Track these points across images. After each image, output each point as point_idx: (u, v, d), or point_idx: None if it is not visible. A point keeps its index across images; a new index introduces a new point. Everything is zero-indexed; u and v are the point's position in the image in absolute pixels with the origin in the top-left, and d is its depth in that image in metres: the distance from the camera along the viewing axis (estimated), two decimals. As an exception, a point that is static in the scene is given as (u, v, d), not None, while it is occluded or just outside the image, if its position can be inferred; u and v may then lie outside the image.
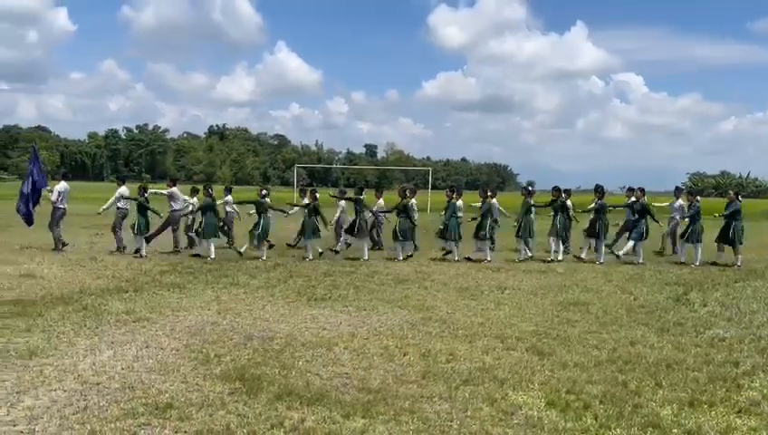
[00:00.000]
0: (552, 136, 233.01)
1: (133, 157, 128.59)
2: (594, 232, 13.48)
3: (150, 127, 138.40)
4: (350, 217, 13.87)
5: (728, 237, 13.29)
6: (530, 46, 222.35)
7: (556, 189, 13.54)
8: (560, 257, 13.19)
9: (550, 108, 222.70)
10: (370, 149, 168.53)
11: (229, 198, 14.34)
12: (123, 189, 13.58)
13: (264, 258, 12.43)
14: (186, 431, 4.02)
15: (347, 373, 5.31)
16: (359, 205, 13.38)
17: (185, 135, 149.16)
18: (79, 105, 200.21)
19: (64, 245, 13.18)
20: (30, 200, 13.24)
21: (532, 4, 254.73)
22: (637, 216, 13.46)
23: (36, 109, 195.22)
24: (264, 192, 13.30)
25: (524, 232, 13.40)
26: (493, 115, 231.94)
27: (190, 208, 13.75)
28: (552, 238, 13.33)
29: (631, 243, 13.39)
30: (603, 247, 13.39)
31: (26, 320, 6.89)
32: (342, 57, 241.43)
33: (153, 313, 7.52)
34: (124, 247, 13.06)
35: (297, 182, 37.84)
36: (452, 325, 7.15)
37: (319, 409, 4.44)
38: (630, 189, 14.28)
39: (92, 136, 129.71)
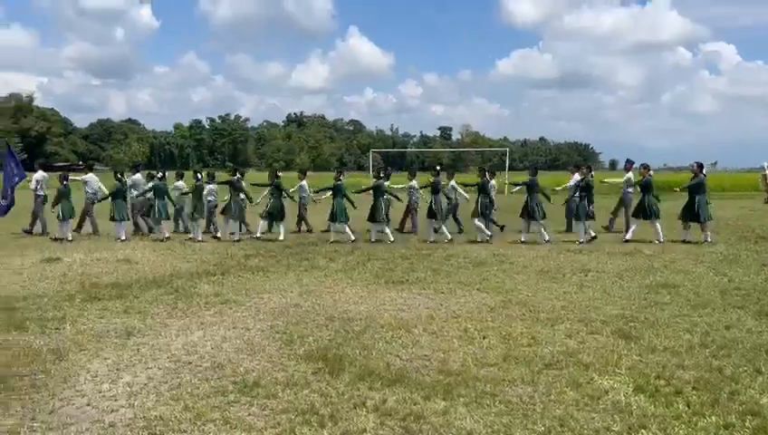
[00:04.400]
0: (635, 111, 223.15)
1: (216, 146, 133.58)
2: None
3: (232, 117, 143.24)
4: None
5: (694, 213, 12.63)
6: (609, 19, 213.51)
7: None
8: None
9: (632, 82, 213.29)
10: (445, 132, 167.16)
11: (213, 186, 14.41)
12: (90, 176, 14.35)
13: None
14: (272, 409, 4.16)
15: (426, 355, 5.32)
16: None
17: (264, 124, 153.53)
18: (164, 98, 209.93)
19: (29, 232, 13.88)
20: (9, 193, 14.27)
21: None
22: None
23: (125, 102, 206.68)
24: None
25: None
26: (571, 92, 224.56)
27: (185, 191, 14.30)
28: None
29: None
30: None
31: (123, 302, 7.34)
32: (413, 39, 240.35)
33: (239, 295, 7.82)
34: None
35: (372, 167, 38.05)
36: (533, 308, 7.01)
37: (399, 390, 4.47)
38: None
39: (178, 127, 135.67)
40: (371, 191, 13.48)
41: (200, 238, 13.04)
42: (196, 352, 5.45)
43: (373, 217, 13.20)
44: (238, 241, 12.90)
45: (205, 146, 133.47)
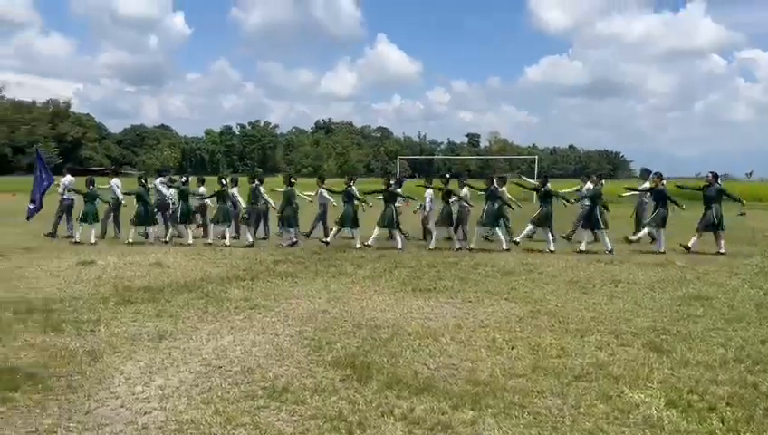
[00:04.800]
0: (667, 120, 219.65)
1: (246, 152, 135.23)
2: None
3: (262, 123, 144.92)
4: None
5: (712, 223, 12.58)
6: (640, 26, 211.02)
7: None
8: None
9: (664, 90, 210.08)
10: (473, 139, 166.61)
11: (202, 189, 14.81)
12: (116, 181, 14.84)
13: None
14: (301, 415, 4.20)
15: (454, 365, 5.31)
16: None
17: (293, 130, 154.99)
18: (196, 104, 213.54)
19: (53, 235, 14.17)
20: (38, 198, 14.64)
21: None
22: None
23: (158, 108, 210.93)
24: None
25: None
26: (601, 99, 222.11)
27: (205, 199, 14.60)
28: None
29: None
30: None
31: (156, 306, 7.48)
32: (442, 46, 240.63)
33: (268, 300, 7.90)
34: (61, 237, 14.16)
35: (399, 173, 38.13)
36: (562, 319, 6.94)
37: (427, 399, 4.48)
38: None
39: (209, 133, 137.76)
40: (382, 197, 13.54)
41: (228, 243, 13.22)
42: (226, 356, 5.53)
43: (382, 224, 13.32)
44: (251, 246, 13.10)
45: (235, 152, 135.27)
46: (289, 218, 13.41)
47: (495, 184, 13.40)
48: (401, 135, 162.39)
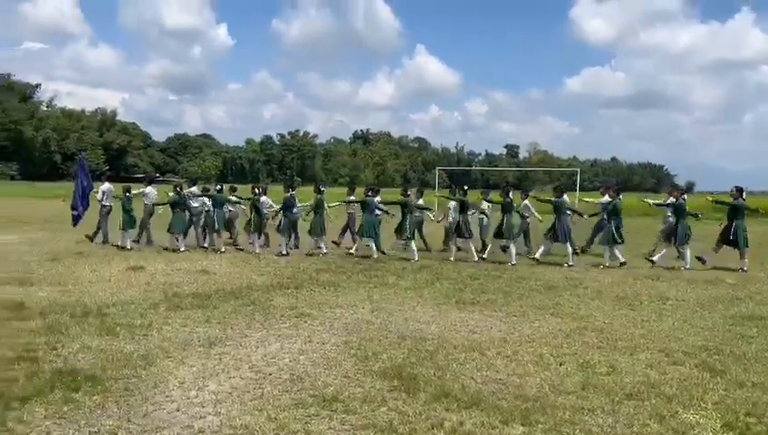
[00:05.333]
0: (713, 133, 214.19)
1: (285, 161, 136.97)
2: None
3: (301, 133, 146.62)
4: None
5: (730, 238, 12.25)
6: (686, 36, 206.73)
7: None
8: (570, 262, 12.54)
9: (710, 102, 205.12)
10: (511, 150, 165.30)
11: (233, 198, 14.82)
12: (150, 189, 15.18)
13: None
14: (352, 425, 4.25)
15: (501, 379, 5.29)
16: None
17: (332, 140, 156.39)
18: (237, 113, 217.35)
19: (107, 242, 14.54)
20: (80, 204, 15.13)
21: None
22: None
23: (200, 117, 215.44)
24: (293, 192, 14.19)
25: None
26: (644, 111, 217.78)
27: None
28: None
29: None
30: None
31: (204, 312, 7.66)
32: (481, 57, 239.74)
33: (313, 309, 8.00)
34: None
35: (438, 184, 38.10)
36: (610, 336, 6.84)
37: (476, 413, 4.47)
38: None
39: (249, 142, 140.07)
40: (400, 207, 13.63)
41: (258, 250, 13.45)
42: (275, 363, 5.63)
43: (399, 233, 13.46)
44: (284, 255, 13.27)
45: (274, 161, 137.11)
46: (318, 227, 13.57)
47: (511, 196, 13.45)
48: (439, 146, 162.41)
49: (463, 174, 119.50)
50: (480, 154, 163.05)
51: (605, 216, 13.17)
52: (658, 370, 5.62)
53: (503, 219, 13.13)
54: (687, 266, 12.26)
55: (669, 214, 13.63)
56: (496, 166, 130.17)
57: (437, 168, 46.16)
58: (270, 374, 5.32)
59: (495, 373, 5.46)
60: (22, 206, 30.87)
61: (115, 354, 5.75)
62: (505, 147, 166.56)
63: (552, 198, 13.27)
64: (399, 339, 6.56)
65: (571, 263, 12.46)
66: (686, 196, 13.27)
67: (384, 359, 5.80)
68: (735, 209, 12.44)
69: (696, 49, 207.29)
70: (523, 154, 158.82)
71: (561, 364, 5.73)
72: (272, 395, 4.80)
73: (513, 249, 12.93)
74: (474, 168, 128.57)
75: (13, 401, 4.49)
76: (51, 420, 4.24)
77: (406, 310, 8.09)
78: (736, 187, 12.79)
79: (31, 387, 4.76)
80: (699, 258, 12.47)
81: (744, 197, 12.76)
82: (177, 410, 4.47)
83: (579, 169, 39.18)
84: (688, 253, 12.47)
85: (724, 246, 12.46)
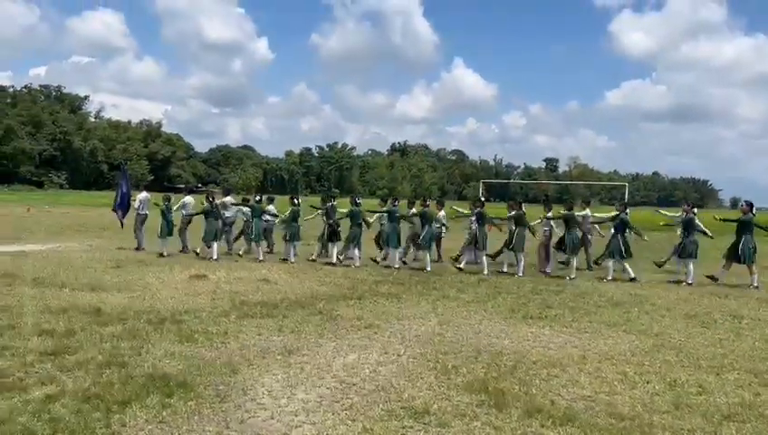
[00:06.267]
0: (760, 147, 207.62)
1: (324, 173, 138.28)
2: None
3: (339, 145, 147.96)
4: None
5: (737, 253, 12.04)
6: (730, 49, 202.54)
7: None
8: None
9: (756, 116, 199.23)
10: (551, 163, 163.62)
11: (271, 208, 15.05)
12: (188, 199, 15.62)
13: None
14: (450, 438, 4.22)
15: (590, 396, 5.19)
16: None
17: (369, 152, 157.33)
18: (276, 126, 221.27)
19: (140, 248, 14.88)
20: (121, 209, 15.80)
21: (733, 3, 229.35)
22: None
23: (240, 129, 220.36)
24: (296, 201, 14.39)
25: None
26: (686, 125, 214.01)
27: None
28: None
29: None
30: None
31: (275, 321, 7.74)
32: (519, 70, 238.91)
33: (379, 320, 8.01)
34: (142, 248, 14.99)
35: (483, 196, 37.86)
36: (690, 355, 6.65)
37: (573, 430, 4.40)
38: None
39: (289, 154, 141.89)
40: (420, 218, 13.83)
41: (293, 260, 13.71)
42: (356, 374, 5.64)
43: (417, 243, 13.69)
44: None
45: (313, 173, 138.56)
46: (354, 239, 13.69)
47: (523, 209, 13.50)
48: (477, 158, 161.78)
49: (501, 187, 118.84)
50: (519, 167, 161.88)
51: (613, 229, 12.96)
52: (751, 391, 5.44)
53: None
54: (690, 281, 12.07)
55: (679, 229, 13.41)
56: (536, 179, 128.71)
57: (481, 181, 45.90)
58: (354, 384, 5.33)
59: (582, 390, 5.35)
60: (75, 214, 31.80)
61: (198, 361, 5.85)
62: (544, 160, 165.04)
63: (563, 212, 13.29)
64: (475, 353, 6.50)
65: (573, 276, 12.54)
66: (696, 211, 13.15)
67: (464, 373, 5.75)
68: (743, 225, 12.19)
69: (740, 62, 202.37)
70: (562, 167, 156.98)
71: (647, 383, 5.60)
72: (362, 405, 4.80)
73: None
74: (512, 180, 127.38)
75: (113, 404, 4.60)
76: (152, 423, 4.32)
77: (473, 323, 8.02)
78: (746, 201, 12.69)
79: (127, 391, 4.87)
80: (711, 277, 12.30)
81: (754, 212, 12.48)
82: (272, 419, 4.51)
83: (627, 184, 38.50)
84: (691, 268, 12.22)
85: (734, 263, 12.24)
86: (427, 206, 14.15)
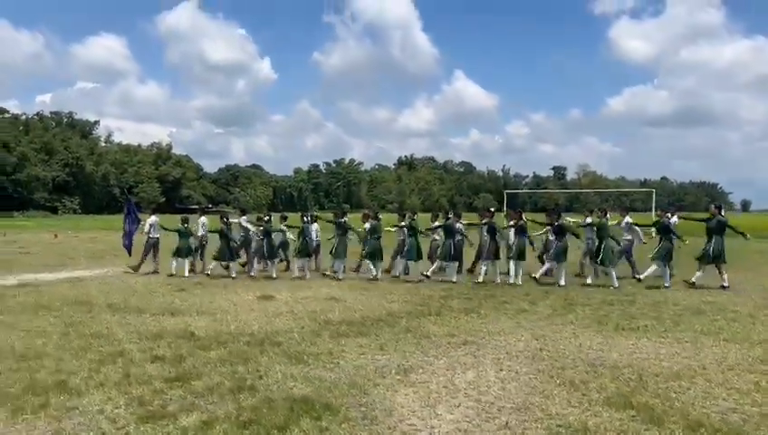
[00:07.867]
0: (765, 149, 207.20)
1: (332, 189, 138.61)
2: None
3: (347, 160, 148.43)
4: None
5: (707, 254, 12.38)
6: (730, 52, 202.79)
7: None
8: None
9: (759, 118, 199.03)
10: (558, 172, 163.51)
11: (283, 226, 15.14)
12: (203, 219, 16.02)
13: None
14: (630, 456, 4.15)
15: (737, 409, 5.11)
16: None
17: (376, 166, 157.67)
18: (280, 144, 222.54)
19: (156, 272, 15.00)
20: (130, 236, 15.84)
21: (731, 6, 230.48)
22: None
23: (245, 149, 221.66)
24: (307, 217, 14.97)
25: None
26: (691, 129, 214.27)
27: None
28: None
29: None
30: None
31: (370, 339, 7.67)
32: (519, 80, 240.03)
33: (472, 336, 7.93)
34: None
35: (507, 207, 37.84)
36: (807, 362, 6.56)
37: (745, 444, 4.32)
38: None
39: (297, 171, 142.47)
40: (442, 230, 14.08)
41: (308, 276, 14.00)
42: (486, 392, 5.57)
43: (442, 256, 13.78)
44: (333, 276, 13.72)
45: (321, 189, 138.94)
46: (372, 253, 13.83)
47: (525, 219, 13.83)
48: (484, 169, 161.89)
49: (511, 197, 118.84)
50: (527, 176, 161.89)
51: (594, 236, 13.41)
52: None
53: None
54: (667, 285, 12.37)
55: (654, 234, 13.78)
56: (546, 188, 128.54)
57: (506, 191, 45.85)
58: (492, 403, 5.27)
59: (724, 402, 5.27)
60: (102, 239, 31.80)
61: (322, 382, 5.80)
62: (552, 169, 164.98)
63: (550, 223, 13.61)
64: (590, 367, 6.42)
65: (562, 283, 12.74)
66: (669, 216, 13.55)
67: (596, 388, 5.67)
68: (717, 226, 12.40)
69: (740, 64, 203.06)
70: (570, 175, 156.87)
71: (785, 392, 5.51)
72: (517, 424, 4.73)
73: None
74: (532, 190, 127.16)
75: (271, 428, 4.56)
76: (320, 449, 4.27)
77: (567, 337, 7.94)
78: (715, 204, 13.01)
79: (278, 416, 4.82)
80: (688, 281, 12.46)
81: (722, 213, 12.68)
82: (435, 440, 4.45)
83: (654, 190, 38.39)
84: (667, 271, 12.64)
85: (707, 265, 12.46)
86: (449, 218, 14.27)
